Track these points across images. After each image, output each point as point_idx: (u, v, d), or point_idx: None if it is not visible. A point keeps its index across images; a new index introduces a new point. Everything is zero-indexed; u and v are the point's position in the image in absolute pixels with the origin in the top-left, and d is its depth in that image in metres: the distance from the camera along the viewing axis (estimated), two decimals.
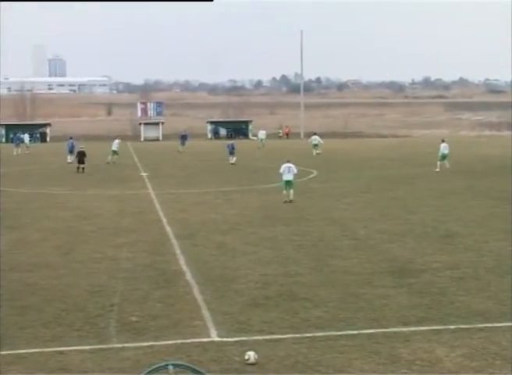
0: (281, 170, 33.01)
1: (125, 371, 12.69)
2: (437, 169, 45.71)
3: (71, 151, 54.14)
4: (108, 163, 54.05)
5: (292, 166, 32.98)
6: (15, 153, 64.52)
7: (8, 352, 13.59)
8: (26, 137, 74.16)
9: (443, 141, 47.17)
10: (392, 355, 13.40)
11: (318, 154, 60.86)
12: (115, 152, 55.56)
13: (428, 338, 14.29)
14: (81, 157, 48.10)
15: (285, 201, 32.31)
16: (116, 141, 57.71)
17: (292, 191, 32.67)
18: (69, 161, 53.47)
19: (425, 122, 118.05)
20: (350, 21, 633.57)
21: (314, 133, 65.56)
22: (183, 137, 68.77)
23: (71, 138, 58.04)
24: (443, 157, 46.25)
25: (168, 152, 66.76)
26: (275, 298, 17.26)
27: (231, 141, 57.72)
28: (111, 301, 17.04)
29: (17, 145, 66.85)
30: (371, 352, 13.51)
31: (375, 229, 26.26)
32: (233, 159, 53.40)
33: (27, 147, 70.23)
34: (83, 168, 47.72)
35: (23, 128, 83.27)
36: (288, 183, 32.69)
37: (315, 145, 62.26)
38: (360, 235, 25.23)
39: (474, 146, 70.21)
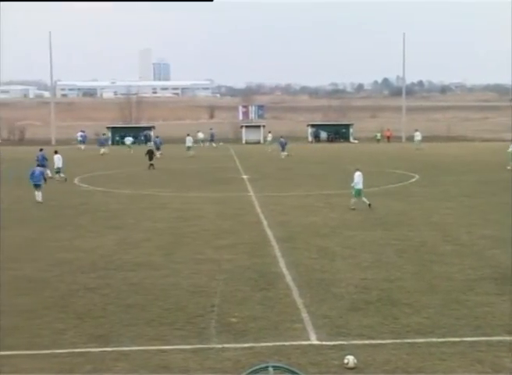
0: (356, 180, 32.35)
1: (225, 371, 12.85)
2: (508, 167, 48.08)
3: (158, 148, 64.65)
4: (192, 157, 63.16)
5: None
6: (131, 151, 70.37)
7: (114, 349, 13.98)
8: (128, 139, 78.66)
9: None
10: (496, 364, 13.11)
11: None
12: (189, 148, 67.21)
13: None
14: (150, 155, 54.08)
15: (369, 205, 31.95)
16: (189, 138, 69.55)
17: (364, 198, 32.29)
18: (157, 155, 60.82)
19: None
20: (453, 22, 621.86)
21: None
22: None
23: (157, 137, 71.19)
24: None
25: (269, 155, 67.13)
26: (375, 302, 17.15)
27: (282, 139, 67.41)
28: (211, 301, 17.28)
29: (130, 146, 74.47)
30: (473, 360, 13.25)
31: (479, 234, 25.73)
32: (284, 154, 62.23)
33: (130, 148, 74.59)
34: (152, 164, 53.25)
35: (128, 131, 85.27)
36: (359, 191, 32.38)
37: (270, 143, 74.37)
38: (463, 240, 24.77)
39: None
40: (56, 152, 46.06)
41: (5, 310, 16.71)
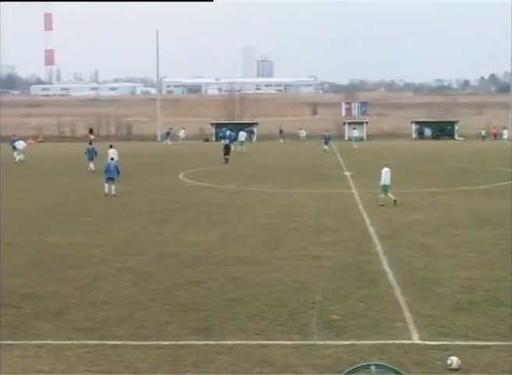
0: (383, 176, 32.39)
1: (326, 368, 12.84)
2: None
3: (231, 141, 65.24)
4: (239, 152, 65.78)
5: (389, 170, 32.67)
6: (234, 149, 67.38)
7: (217, 342, 14.18)
8: (242, 135, 73.13)
9: None
10: None
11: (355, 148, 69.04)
12: (242, 143, 69.01)
13: None
14: (227, 150, 56.41)
15: (382, 205, 31.95)
16: (242, 132, 71.73)
17: (390, 195, 32.21)
18: (233, 149, 62.73)
19: None
20: None
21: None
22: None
23: (232, 131, 72.74)
24: None
25: (372, 152, 66.63)
26: (479, 303, 16.80)
27: (326, 133, 70.93)
28: (313, 298, 17.29)
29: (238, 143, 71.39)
30: None
31: None
32: (326, 148, 66.26)
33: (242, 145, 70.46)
34: (227, 159, 55.42)
35: (232, 127, 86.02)
36: (386, 187, 32.27)
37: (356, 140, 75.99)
38: None
39: None
40: (111, 147, 46.35)
41: (112, 301, 17.19)
